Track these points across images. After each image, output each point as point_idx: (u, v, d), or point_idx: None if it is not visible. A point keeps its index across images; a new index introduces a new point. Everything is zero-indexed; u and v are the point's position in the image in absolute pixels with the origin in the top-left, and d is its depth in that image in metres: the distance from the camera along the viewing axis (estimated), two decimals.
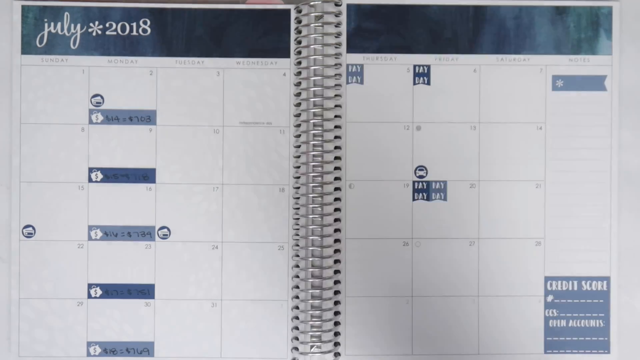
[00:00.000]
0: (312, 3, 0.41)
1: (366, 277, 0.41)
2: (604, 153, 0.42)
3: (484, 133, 0.42)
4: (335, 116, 0.41)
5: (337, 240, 0.41)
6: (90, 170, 0.41)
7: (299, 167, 0.41)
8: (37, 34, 0.41)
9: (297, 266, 0.41)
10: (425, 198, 0.42)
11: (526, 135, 0.42)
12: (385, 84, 0.42)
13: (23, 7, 0.41)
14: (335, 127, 0.41)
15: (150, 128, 0.42)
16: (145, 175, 0.42)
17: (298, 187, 0.41)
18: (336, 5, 0.42)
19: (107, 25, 0.42)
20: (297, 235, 0.41)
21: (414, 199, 0.42)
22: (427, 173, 0.42)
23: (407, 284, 0.42)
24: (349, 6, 0.42)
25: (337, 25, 0.42)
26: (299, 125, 0.41)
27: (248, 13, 0.42)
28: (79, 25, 0.42)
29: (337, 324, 0.41)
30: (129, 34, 0.42)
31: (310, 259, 0.41)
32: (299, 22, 0.42)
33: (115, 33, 0.42)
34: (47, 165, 0.41)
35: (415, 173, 0.42)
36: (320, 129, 0.41)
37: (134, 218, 0.41)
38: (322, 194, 0.41)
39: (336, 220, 0.41)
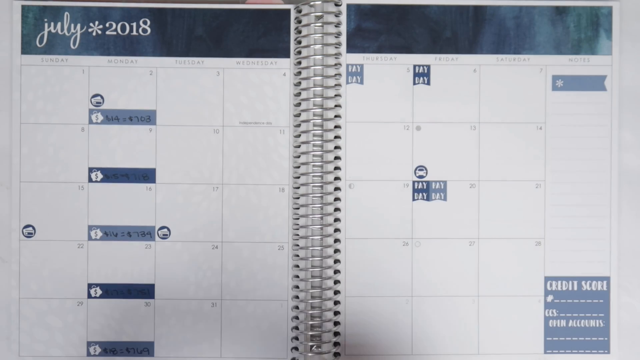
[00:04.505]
0: (312, 3, 0.41)
1: (366, 277, 0.41)
2: (604, 153, 0.42)
3: (484, 133, 0.42)
4: (335, 116, 0.41)
5: (337, 240, 0.41)
6: (90, 170, 0.41)
7: (299, 167, 0.41)
8: (37, 34, 0.41)
9: (297, 266, 0.41)
10: (425, 198, 0.42)
11: (526, 135, 0.42)
12: (385, 84, 0.42)
13: (23, 7, 0.42)
14: (335, 127, 0.41)
15: (150, 128, 0.42)
16: (145, 175, 0.42)
17: (298, 187, 0.41)
18: (336, 5, 0.42)
19: (107, 25, 0.42)
20: (297, 235, 0.41)
21: (414, 199, 0.42)
22: (427, 173, 0.42)
23: (407, 284, 0.42)
24: (349, 6, 0.42)
25: (337, 25, 0.42)
26: (299, 125, 0.41)
27: (248, 13, 0.42)
28: (79, 25, 0.42)
29: (337, 324, 0.41)
30: (129, 34, 0.42)
31: (310, 259, 0.41)
32: (299, 22, 0.42)
33: (115, 33, 0.42)
34: (47, 165, 0.41)
35: (415, 173, 0.42)
36: (320, 129, 0.41)
37: (134, 218, 0.41)
38: (322, 194, 0.41)
39: (336, 220, 0.41)
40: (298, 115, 0.41)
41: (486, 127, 0.42)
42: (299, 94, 0.42)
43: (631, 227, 0.42)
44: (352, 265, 0.41)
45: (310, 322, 0.41)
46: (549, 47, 0.42)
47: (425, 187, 0.42)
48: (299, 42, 0.41)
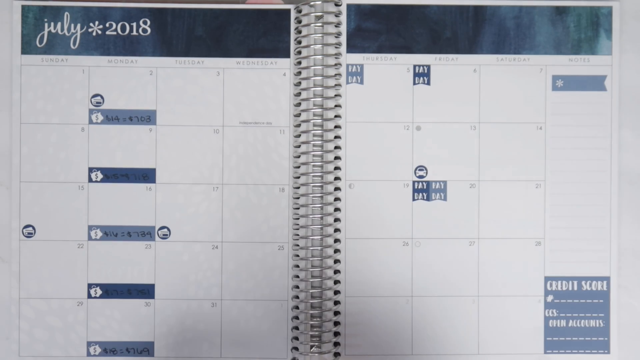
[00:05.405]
0: (312, 3, 0.41)
1: (366, 277, 0.41)
2: (604, 153, 0.42)
3: (484, 133, 0.42)
4: (335, 116, 0.41)
5: (337, 240, 0.41)
6: (90, 170, 0.41)
7: (299, 167, 0.41)
8: (37, 34, 0.41)
9: (297, 266, 0.41)
10: (425, 198, 0.42)
11: (526, 135, 0.42)
12: (385, 84, 0.42)
13: (23, 7, 0.42)
14: (335, 127, 0.41)
15: (150, 128, 0.42)
16: (145, 175, 0.42)
17: (298, 187, 0.41)
18: (336, 5, 0.42)
19: (107, 25, 0.42)
20: (297, 235, 0.41)
21: (414, 199, 0.42)
22: (427, 173, 0.42)
23: (407, 284, 0.42)
24: (349, 6, 0.42)
25: (337, 25, 0.42)
26: (299, 125, 0.41)
27: (248, 13, 0.42)
28: (79, 25, 0.42)
29: (337, 324, 0.41)
30: (129, 34, 0.42)
31: (310, 259, 0.41)
32: (299, 22, 0.42)
33: (115, 33, 0.42)
34: (47, 165, 0.41)
35: (415, 173, 0.42)
36: (320, 129, 0.41)
37: (134, 218, 0.41)
38: (322, 194, 0.41)
39: (336, 220, 0.41)
40: (298, 115, 0.41)
41: (486, 127, 0.42)
42: (299, 94, 0.42)
43: (631, 227, 0.42)
44: (352, 265, 0.41)
45: (310, 322, 0.41)
46: (549, 47, 0.42)
47: (425, 187, 0.42)
48: (299, 42, 0.41)
